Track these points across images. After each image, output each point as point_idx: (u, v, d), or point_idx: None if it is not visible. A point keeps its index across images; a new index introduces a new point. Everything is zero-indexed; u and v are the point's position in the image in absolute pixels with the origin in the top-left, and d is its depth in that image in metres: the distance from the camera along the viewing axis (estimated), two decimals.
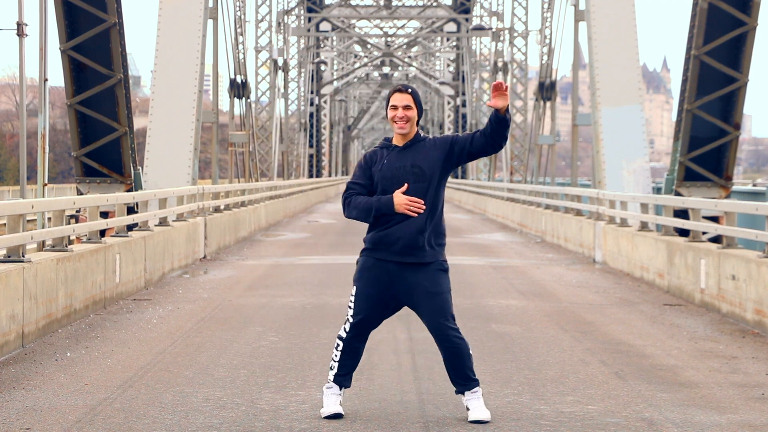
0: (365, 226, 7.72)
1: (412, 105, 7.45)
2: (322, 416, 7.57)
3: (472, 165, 65.58)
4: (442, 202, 7.54)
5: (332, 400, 7.60)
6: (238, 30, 35.44)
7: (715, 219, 20.53)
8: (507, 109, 7.34)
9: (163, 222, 18.43)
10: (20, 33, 18.73)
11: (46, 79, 20.00)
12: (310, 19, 64.29)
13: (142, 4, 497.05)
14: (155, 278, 16.59)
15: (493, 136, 7.37)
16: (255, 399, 8.25)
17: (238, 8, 35.78)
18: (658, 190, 27.43)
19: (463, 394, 7.55)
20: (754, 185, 41.00)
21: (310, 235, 28.88)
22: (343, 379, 7.62)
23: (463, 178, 71.15)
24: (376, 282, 7.48)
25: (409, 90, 7.46)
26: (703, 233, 15.67)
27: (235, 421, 7.53)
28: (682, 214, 17.80)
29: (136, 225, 16.79)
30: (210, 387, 8.64)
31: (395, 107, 7.44)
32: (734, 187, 24.62)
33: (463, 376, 7.50)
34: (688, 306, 14.43)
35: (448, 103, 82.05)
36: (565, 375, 9.32)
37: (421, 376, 9.20)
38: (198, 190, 21.88)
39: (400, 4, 69.83)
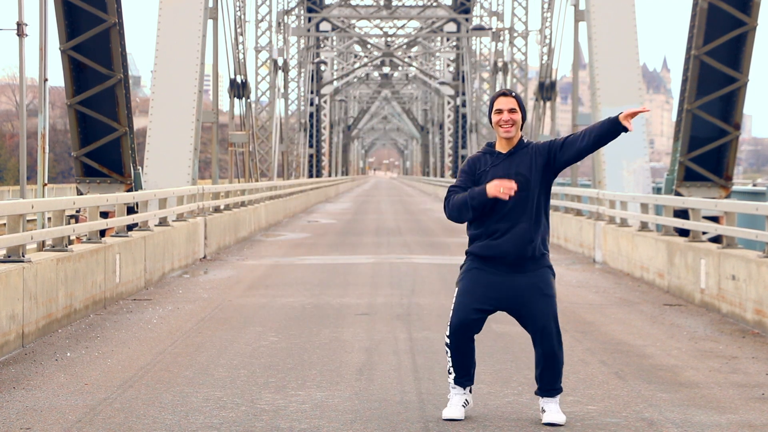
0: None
1: (517, 108, 7.31)
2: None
3: None
4: (547, 210, 7.41)
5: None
6: (238, 30, 35.44)
7: (715, 219, 20.53)
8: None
9: (163, 222, 18.43)
10: (20, 33, 18.74)
11: (46, 79, 20.01)
12: (310, 19, 64.29)
13: (142, 4, 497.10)
14: (155, 278, 16.59)
15: (599, 142, 7.23)
16: (255, 399, 8.25)
17: (238, 8, 35.79)
18: (658, 190, 27.42)
19: (550, 396, 7.49)
20: (754, 185, 41.00)
21: (310, 235, 28.87)
22: (464, 380, 7.57)
23: None
24: (485, 282, 7.38)
25: (513, 94, 7.35)
26: (703, 233, 15.67)
27: (235, 422, 7.53)
28: (682, 214, 17.79)
29: (136, 225, 16.79)
30: (210, 387, 8.64)
31: (500, 111, 7.30)
32: (734, 187, 24.62)
33: (556, 380, 7.46)
34: (688, 306, 14.43)
35: (448, 103, 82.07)
36: (565, 375, 9.30)
37: (421, 376, 9.20)
38: (198, 190, 21.87)
39: (400, 4, 69.83)
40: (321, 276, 17.78)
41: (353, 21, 71.69)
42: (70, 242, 13.36)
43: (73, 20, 21.24)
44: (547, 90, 35.57)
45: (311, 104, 73.66)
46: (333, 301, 14.34)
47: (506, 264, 7.34)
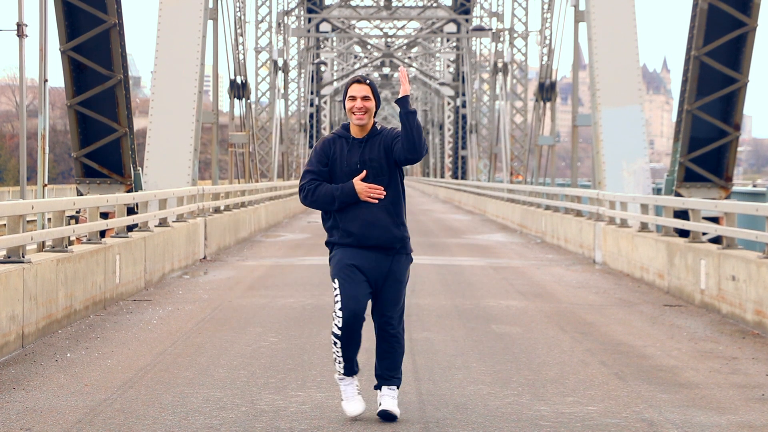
0: None
1: (371, 96, 7.46)
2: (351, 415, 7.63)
3: (472, 166, 65.56)
4: (403, 194, 7.56)
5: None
6: (238, 31, 35.44)
7: (715, 220, 20.52)
8: (405, 98, 7.31)
9: (163, 223, 18.43)
10: (20, 34, 18.73)
11: (46, 80, 19.99)
12: (310, 20, 64.29)
13: (142, 4, 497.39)
14: (155, 279, 16.59)
15: (405, 138, 7.36)
16: (255, 400, 8.25)
17: (238, 9, 35.78)
18: (658, 191, 27.42)
19: (380, 389, 7.64)
20: (754, 186, 41.01)
21: (310, 236, 28.87)
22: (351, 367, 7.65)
23: (463, 178, 71.15)
24: (359, 271, 7.53)
25: (368, 81, 7.48)
26: (703, 234, 15.67)
27: (235, 422, 7.53)
28: (682, 214, 17.79)
29: (136, 226, 16.79)
30: (210, 388, 8.64)
31: (354, 98, 7.44)
32: (734, 188, 24.61)
33: (396, 369, 7.63)
34: (688, 307, 14.43)
35: (448, 103, 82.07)
36: (565, 376, 9.32)
37: (421, 376, 9.20)
38: (198, 191, 21.87)
39: (400, 4, 69.83)
40: (321, 276, 17.77)
41: (353, 22, 71.68)
42: (70, 243, 13.36)
43: (73, 21, 21.23)
44: (547, 91, 35.55)
45: (311, 105, 73.66)
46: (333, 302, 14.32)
47: (373, 242, 7.50)
